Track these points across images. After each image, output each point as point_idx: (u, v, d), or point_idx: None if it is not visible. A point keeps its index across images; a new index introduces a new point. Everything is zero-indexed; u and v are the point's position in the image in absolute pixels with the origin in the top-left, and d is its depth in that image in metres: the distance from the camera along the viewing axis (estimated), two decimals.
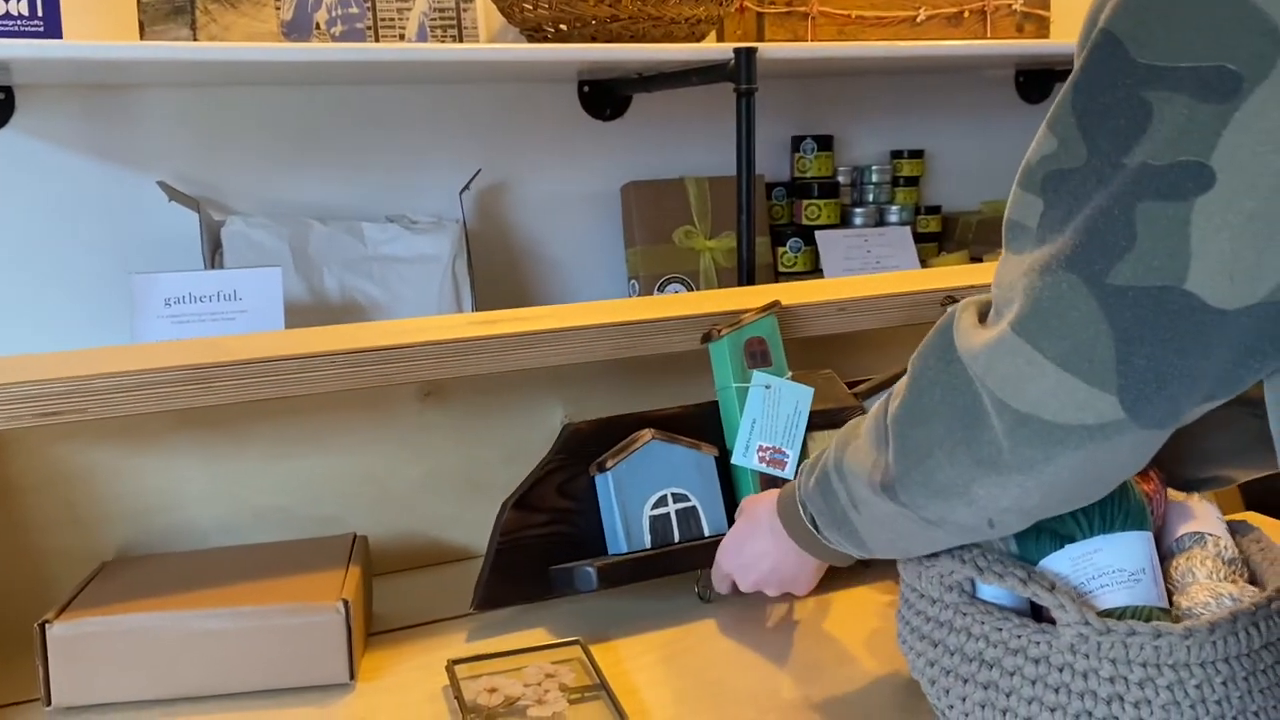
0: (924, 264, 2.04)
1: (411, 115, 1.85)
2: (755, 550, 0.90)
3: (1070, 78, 0.59)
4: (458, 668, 0.89)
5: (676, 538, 1.04)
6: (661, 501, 1.04)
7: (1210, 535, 0.77)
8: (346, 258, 1.64)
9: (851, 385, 1.14)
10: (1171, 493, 0.81)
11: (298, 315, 1.53)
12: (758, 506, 0.91)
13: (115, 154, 1.68)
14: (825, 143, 2.07)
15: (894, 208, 2.09)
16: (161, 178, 1.65)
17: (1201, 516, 0.79)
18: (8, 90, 1.61)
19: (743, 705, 0.85)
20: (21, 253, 1.64)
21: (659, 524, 1.04)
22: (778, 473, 1.06)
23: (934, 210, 2.16)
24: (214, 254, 1.60)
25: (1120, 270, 0.55)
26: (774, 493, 0.89)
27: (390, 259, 1.66)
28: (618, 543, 1.03)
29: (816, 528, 0.79)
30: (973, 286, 1.23)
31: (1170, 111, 0.53)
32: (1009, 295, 0.60)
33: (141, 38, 1.53)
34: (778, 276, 2.02)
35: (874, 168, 2.11)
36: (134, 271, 1.48)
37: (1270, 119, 0.51)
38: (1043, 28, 2.04)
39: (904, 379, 0.68)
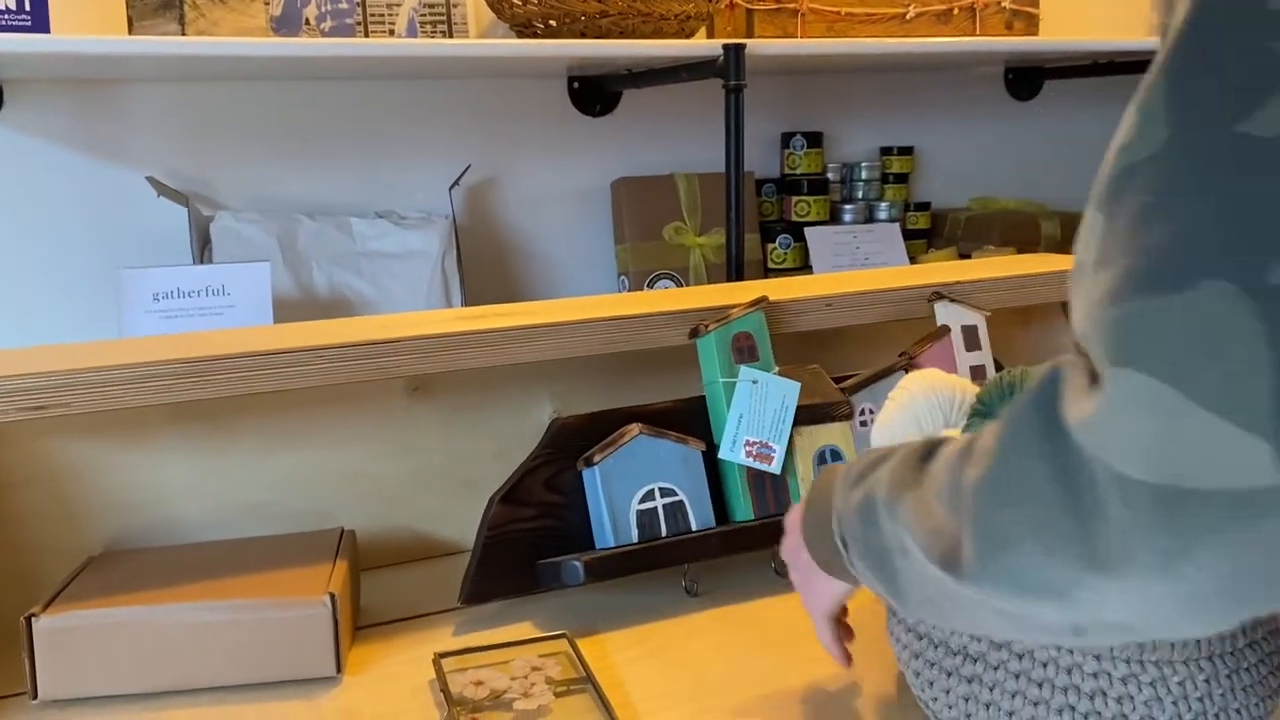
0: (913, 260, 2.05)
1: (401, 111, 1.85)
2: (794, 558, 0.80)
3: (1159, 58, 0.50)
4: (444, 661, 0.90)
5: (664, 532, 1.04)
6: (649, 496, 1.05)
7: None
8: (335, 253, 1.64)
9: (839, 380, 1.15)
10: None
11: (286, 311, 1.53)
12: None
13: (104, 149, 1.68)
14: (815, 139, 2.08)
15: (883, 204, 2.10)
16: (150, 173, 1.65)
17: None
18: None
19: (728, 698, 0.85)
20: (10, 248, 1.64)
21: (646, 518, 1.04)
22: (765, 467, 1.07)
23: (923, 207, 2.17)
24: (203, 249, 1.60)
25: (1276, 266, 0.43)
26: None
27: (379, 254, 1.67)
28: (605, 537, 1.03)
29: (845, 548, 0.67)
30: (959, 282, 1.23)
31: None
32: (1107, 334, 0.47)
33: (130, 33, 1.53)
34: (767, 273, 2.03)
35: (863, 164, 2.12)
36: (122, 266, 1.47)
37: None
38: (1032, 25, 2.04)
39: (986, 439, 0.54)
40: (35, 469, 1.04)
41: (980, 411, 0.80)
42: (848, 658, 0.81)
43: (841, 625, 0.82)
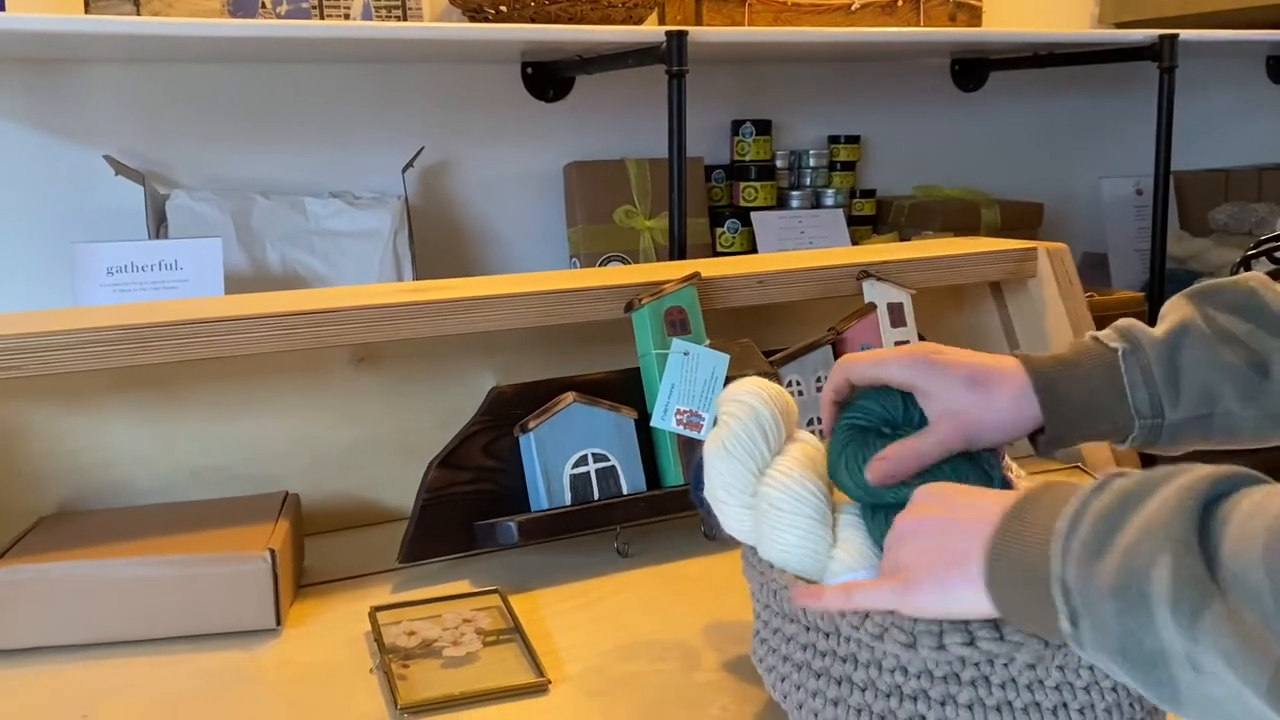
0: (856, 245, 2.10)
1: (356, 94, 1.88)
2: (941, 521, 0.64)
3: None
4: (380, 614, 0.94)
5: (596, 495, 1.09)
6: (582, 461, 1.09)
7: None
8: (288, 231, 1.68)
9: (769, 354, 1.20)
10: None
11: (240, 286, 1.57)
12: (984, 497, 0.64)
13: (62, 128, 1.70)
14: (764, 127, 2.13)
15: (830, 191, 2.15)
16: (108, 152, 1.67)
17: None
18: None
19: (651, 647, 0.90)
20: None
21: (579, 482, 1.09)
22: (694, 434, 1.12)
23: (869, 194, 2.22)
24: (159, 227, 1.63)
25: None
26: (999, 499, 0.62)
27: (332, 233, 1.70)
28: (539, 500, 1.08)
29: (1075, 626, 0.55)
30: (886, 262, 1.29)
31: None
32: None
33: (86, 13, 1.55)
34: (716, 256, 2.08)
35: (811, 152, 2.17)
36: (77, 241, 1.50)
37: None
38: (974, 17, 2.10)
39: None
40: None
41: (859, 423, 0.78)
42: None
43: None
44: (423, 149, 1.85)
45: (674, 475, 1.12)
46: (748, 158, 2.12)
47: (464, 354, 1.23)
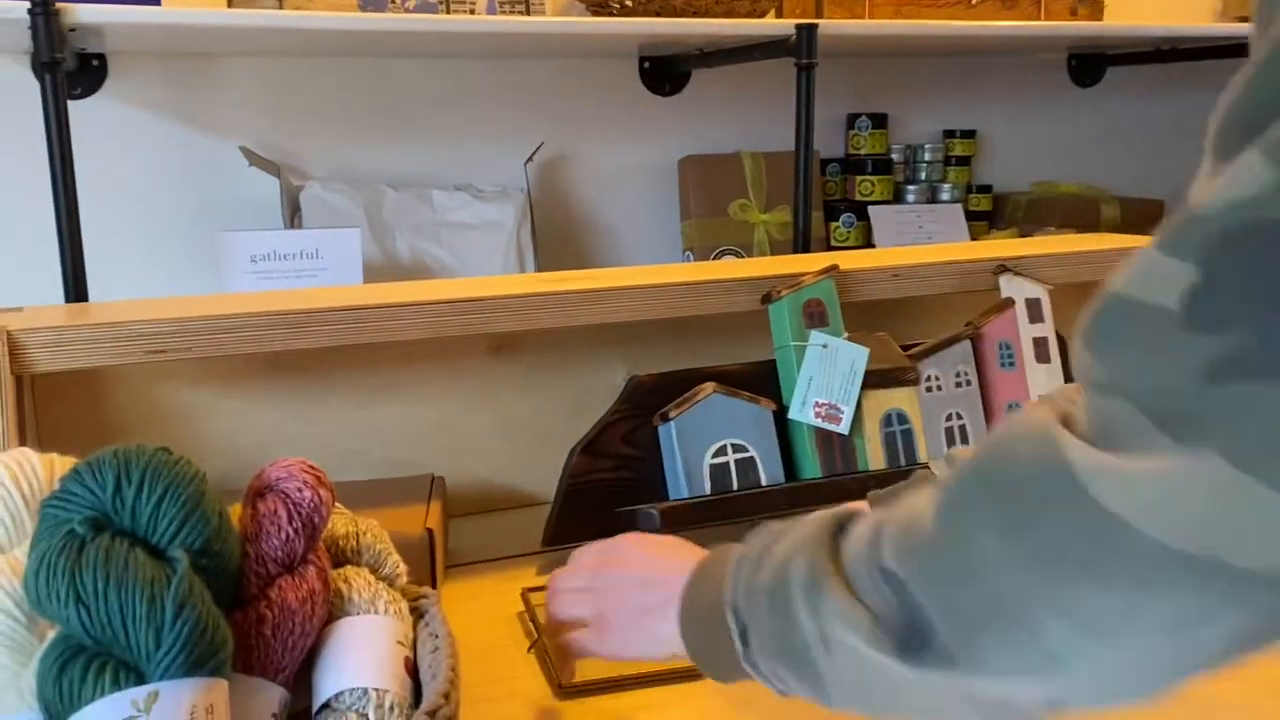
0: (975, 240, 2.08)
1: (480, 89, 1.92)
2: (621, 564, 0.74)
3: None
4: (531, 595, 0.96)
5: (735, 486, 1.10)
6: (721, 451, 1.10)
7: (374, 690, 0.60)
8: (417, 222, 1.71)
9: (905, 348, 1.19)
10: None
11: (372, 276, 1.61)
12: (666, 550, 0.73)
13: (200, 120, 1.76)
14: (880, 120, 2.11)
15: (946, 186, 2.13)
16: (243, 143, 1.73)
17: (360, 663, 0.62)
18: (101, 58, 1.70)
19: None
20: (114, 212, 1.73)
21: (718, 472, 1.10)
22: (833, 427, 1.12)
23: (985, 189, 2.20)
24: (293, 217, 1.67)
25: None
26: (697, 551, 0.71)
27: (458, 225, 1.73)
28: (679, 489, 1.09)
29: (745, 643, 0.61)
30: (1024, 257, 1.27)
31: None
32: (1193, 408, 0.42)
33: (230, 7, 1.61)
34: (830, 251, 2.07)
35: (927, 146, 2.15)
36: (220, 230, 1.55)
37: None
38: (1096, 11, 2.06)
39: (926, 510, 0.51)
40: (146, 413, 1.12)
41: (59, 513, 0.58)
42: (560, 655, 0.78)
43: None
44: (543, 143, 1.88)
45: (811, 468, 1.13)
46: (863, 151, 2.11)
47: (595, 344, 1.25)
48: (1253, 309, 0.41)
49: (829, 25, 1.62)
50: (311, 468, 0.65)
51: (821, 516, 0.59)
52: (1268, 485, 0.41)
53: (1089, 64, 2.34)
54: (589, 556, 0.77)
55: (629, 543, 0.76)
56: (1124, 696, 0.48)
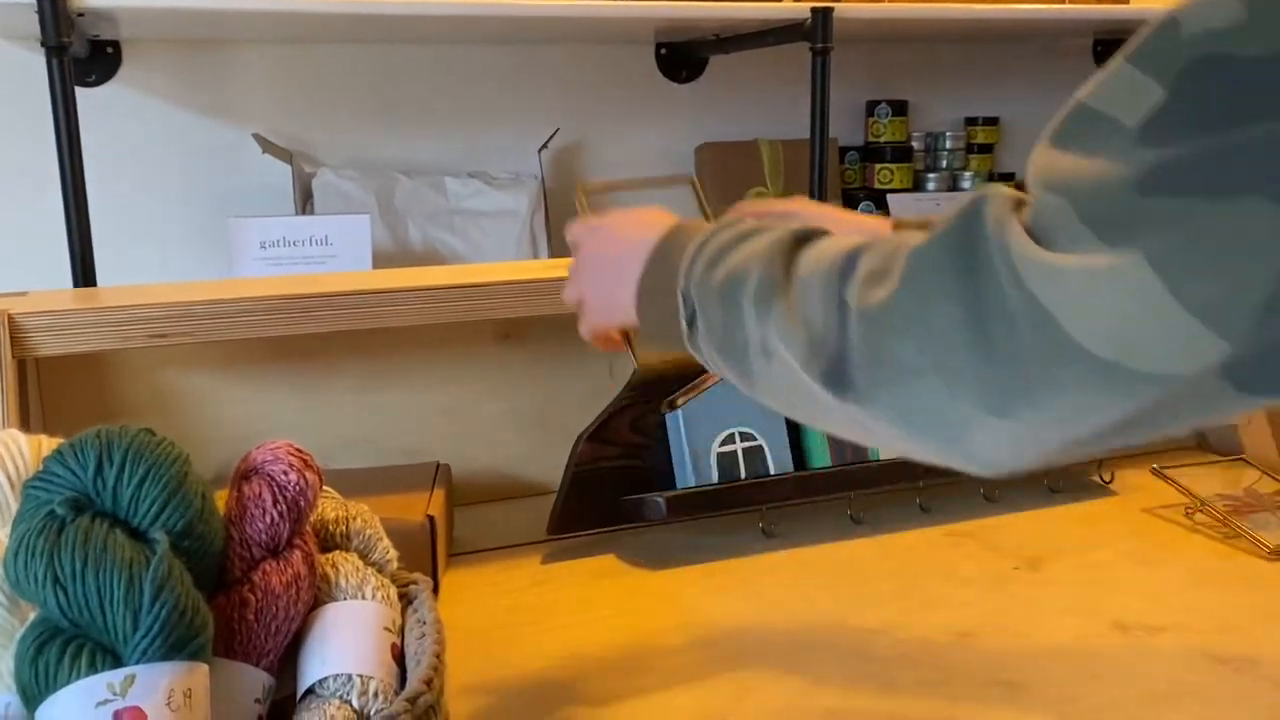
0: None
1: (494, 75, 1.91)
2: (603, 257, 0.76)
3: None
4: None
5: (742, 474, 1.08)
6: (729, 440, 1.09)
7: (359, 676, 0.59)
8: (429, 210, 1.70)
9: None
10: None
11: (383, 263, 1.60)
12: (634, 225, 0.73)
13: (213, 107, 1.76)
14: (900, 108, 2.08)
15: (967, 174, 2.10)
16: (256, 130, 1.72)
17: (346, 649, 0.60)
18: (115, 45, 1.70)
19: (803, 625, 0.89)
20: (127, 198, 1.73)
21: (726, 461, 1.08)
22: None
23: (1008, 177, 2.17)
24: (305, 204, 1.67)
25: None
26: (655, 221, 0.71)
27: (471, 212, 1.72)
28: (686, 477, 1.07)
29: (692, 330, 0.65)
30: None
31: None
32: (1123, 213, 0.45)
33: None
34: None
35: (948, 134, 2.12)
36: (231, 216, 1.55)
37: None
38: None
39: (881, 260, 0.54)
40: (150, 397, 1.11)
41: (39, 494, 0.58)
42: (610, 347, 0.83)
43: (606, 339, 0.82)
44: (558, 130, 1.86)
45: (820, 456, 1.11)
46: (883, 139, 2.08)
47: None
48: (1202, 131, 0.43)
49: (845, 9, 1.59)
50: (298, 451, 0.64)
51: (786, 230, 0.61)
52: (1179, 300, 0.44)
53: (1114, 49, 2.29)
54: (580, 238, 0.80)
55: (610, 221, 0.77)
56: (1001, 465, 0.53)
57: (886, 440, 0.56)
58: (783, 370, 0.58)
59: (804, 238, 0.60)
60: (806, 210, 0.83)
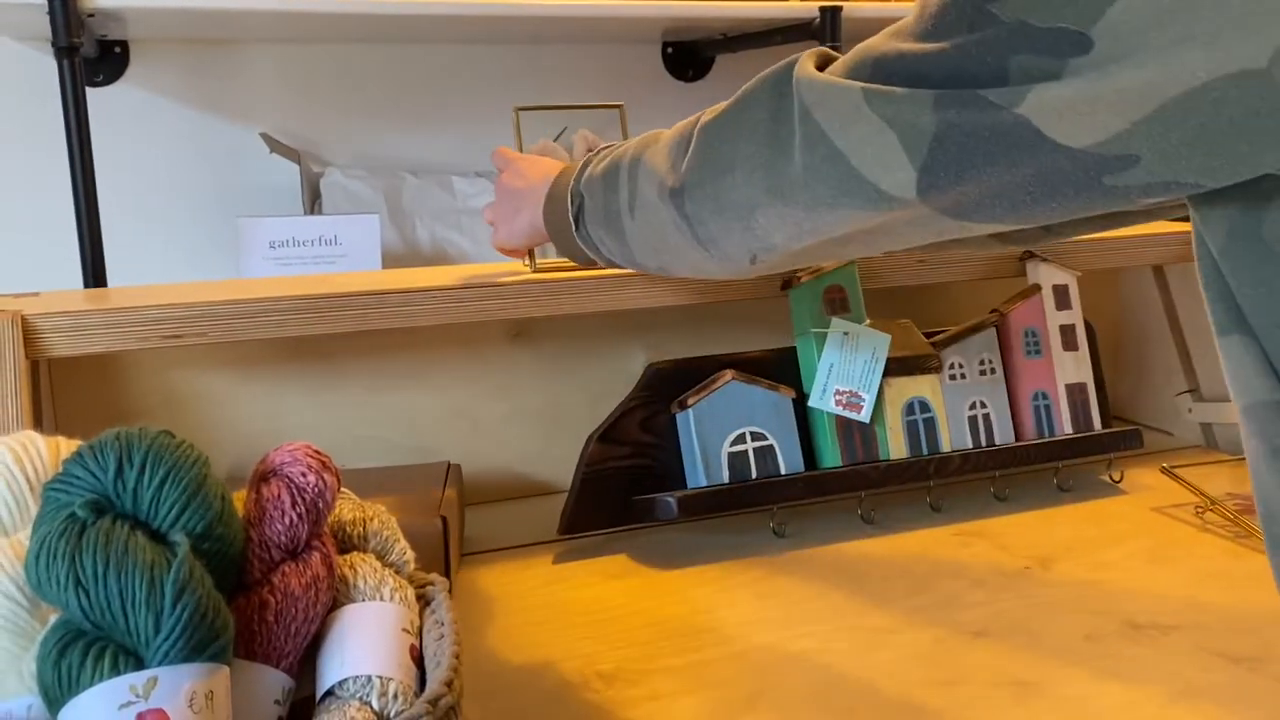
0: None
1: (501, 74, 1.91)
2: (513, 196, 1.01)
3: None
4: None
5: (753, 474, 1.08)
6: (740, 439, 1.09)
7: (378, 678, 0.59)
8: (438, 209, 1.71)
9: (928, 335, 1.17)
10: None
11: (391, 262, 1.60)
12: (537, 167, 0.99)
13: (221, 107, 1.76)
14: None
15: None
16: (264, 130, 1.72)
17: (365, 651, 0.60)
18: (123, 45, 1.70)
19: (818, 626, 0.89)
20: (135, 198, 1.73)
21: (737, 460, 1.08)
22: (854, 415, 1.10)
23: None
24: (313, 203, 1.67)
25: (977, 91, 0.56)
26: (557, 166, 0.96)
27: (479, 212, 1.72)
28: (697, 477, 1.08)
29: (579, 221, 0.84)
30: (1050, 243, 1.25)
31: None
32: (867, 63, 0.62)
33: None
34: None
35: None
36: (239, 216, 1.55)
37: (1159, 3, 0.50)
38: None
39: (726, 102, 0.72)
40: (163, 398, 1.12)
41: (60, 497, 0.57)
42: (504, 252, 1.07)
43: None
44: (565, 129, 1.86)
45: (831, 456, 1.11)
46: None
47: (615, 331, 1.24)
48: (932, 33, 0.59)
49: (854, 8, 1.59)
50: (316, 452, 0.64)
51: (650, 133, 0.81)
52: (880, 116, 0.60)
53: None
54: (500, 166, 1.06)
55: (516, 161, 1.03)
56: (775, 249, 0.72)
57: (700, 248, 0.76)
58: (645, 214, 0.76)
59: (664, 130, 0.78)
60: None
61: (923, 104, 0.58)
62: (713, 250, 0.74)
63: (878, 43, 0.63)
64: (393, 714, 0.57)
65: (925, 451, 1.13)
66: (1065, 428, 1.18)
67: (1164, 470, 1.16)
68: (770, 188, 0.66)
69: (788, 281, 1.14)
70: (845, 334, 1.11)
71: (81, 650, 0.53)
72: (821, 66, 0.67)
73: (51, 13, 1.27)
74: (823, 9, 1.55)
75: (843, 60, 0.65)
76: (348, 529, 0.68)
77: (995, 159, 0.57)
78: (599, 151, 0.85)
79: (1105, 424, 1.21)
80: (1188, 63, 0.50)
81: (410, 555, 0.68)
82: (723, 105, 0.71)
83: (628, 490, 1.08)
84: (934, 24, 0.58)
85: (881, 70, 0.61)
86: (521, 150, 1.12)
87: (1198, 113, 0.50)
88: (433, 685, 0.55)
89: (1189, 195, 0.57)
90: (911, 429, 1.13)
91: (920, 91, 0.58)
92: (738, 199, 0.69)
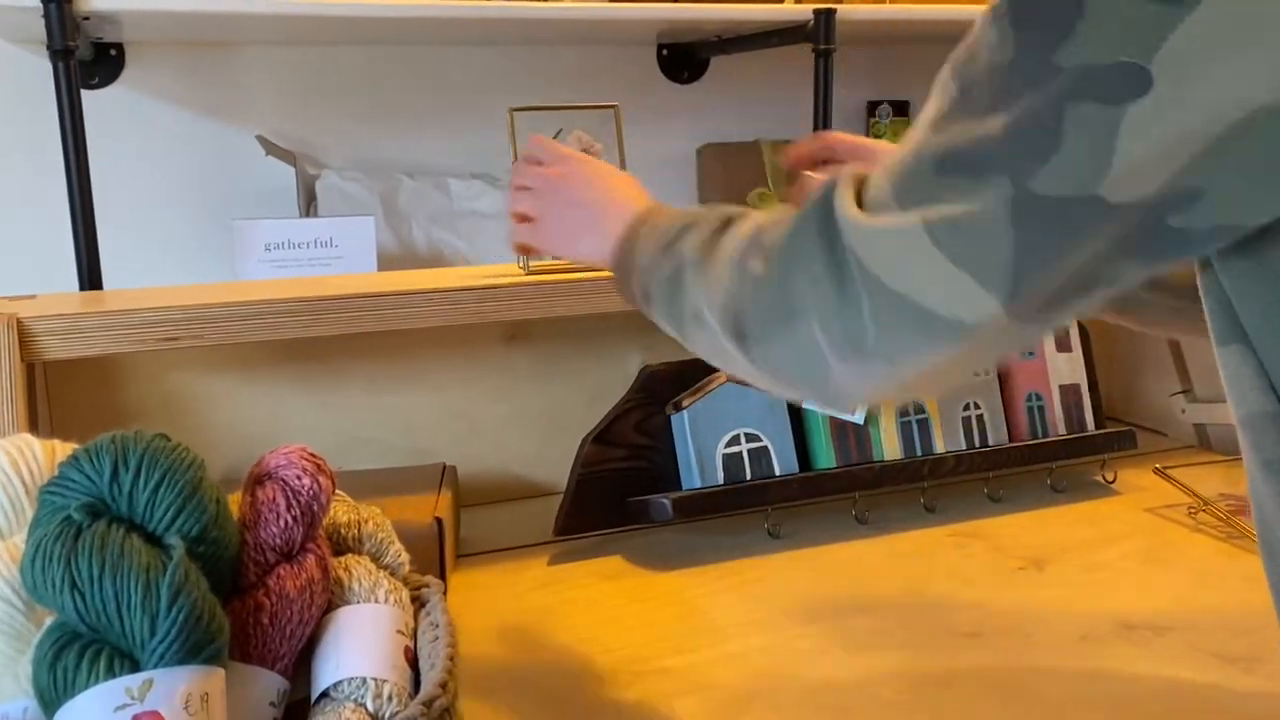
0: None
1: (496, 76, 1.91)
2: (576, 220, 0.91)
3: None
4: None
5: (748, 475, 1.08)
6: (734, 441, 1.09)
7: (373, 680, 0.59)
8: (433, 211, 1.71)
9: None
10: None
11: (387, 265, 1.60)
12: (606, 185, 0.90)
13: (217, 109, 1.76)
14: (901, 109, 2.09)
15: None
16: (260, 132, 1.73)
17: (359, 653, 0.61)
18: (118, 47, 1.70)
19: (810, 627, 0.90)
20: (131, 200, 1.73)
21: (731, 462, 1.08)
22: (848, 416, 1.11)
23: None
24: (309, 205, 1.67)
25: (1044, 177, 0.52)
26: (626, 189, 0.89)
27: (475, 214, 1.73)
28: (692, 478, 1.08)
29: (648, 304, 0.78)
30: None
31: (1109, 8, 0.50)
32: (910, 181, 0.57)
33: None
34: None
35: None
36: (235, 218, 1.55)
37: (1219, 28, 0.48)
38: None
39: (771, 233, 0.65)
40: (161, 400, 1.12)
41: (56, 499, 0.58)
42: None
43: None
44: (560, 131, 1.86)
45: (825, 457, 1.11)
46: (884, 139, 2.08)
47: (611, 333, 1.24)
48: (967, 119, 0.55)
49: (848, 10, 1.60)
50: (311, 455, 0.64)
51: (717, 217, 0.72)
52: (945, 256, 0.55)
53: None
54: (545, 159, 0.95)
55: (576, 163, 0.94)
56: (857, 400, 0.74)
57: (780, 389, 0.70)
58: (709, 333, 0.70)
59: (728, 221, 0.71)
60: (884, 149, 0.93)
61: (995, 227, 0.54)
62: (785, 388, 0.70)
63: (925, 142, 0.57)
64: (387, 716, 0.57)
65: (919, 452, 1.13)
66: (1059, 429, 1.19)
67: (1156, 471, 1.17)
68: (840, 344, 0.60)
69: None
70: None
71: (77, 653, 0.53)
72: (859, 191, 0.60)
73: (47, 16, 1.27)
74: (816, 11, 1.55)
75: (888, 182, 0.58)
76: (343, 531, 0.68)
77: (1073, 248, 0.54)
78: (663, 223, 0.78)
79: (1099, 425, 1.22)
80: (1252, 88, 0.48)
81: (405, 557, 0.68)
82: (770, 250, 0.64)
83: (623, 492, 1.08)
84: (996, 90, 0.54)
85: (945, 172, 0.55)
86: (516, 153, 1.11)
87: (1263, 139, 0.49)
88: (427, 687, 0.55)
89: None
90: (905, 430, 1.13)
91: (988, 210, 0.53)
92: (803, 357, 0.63)
